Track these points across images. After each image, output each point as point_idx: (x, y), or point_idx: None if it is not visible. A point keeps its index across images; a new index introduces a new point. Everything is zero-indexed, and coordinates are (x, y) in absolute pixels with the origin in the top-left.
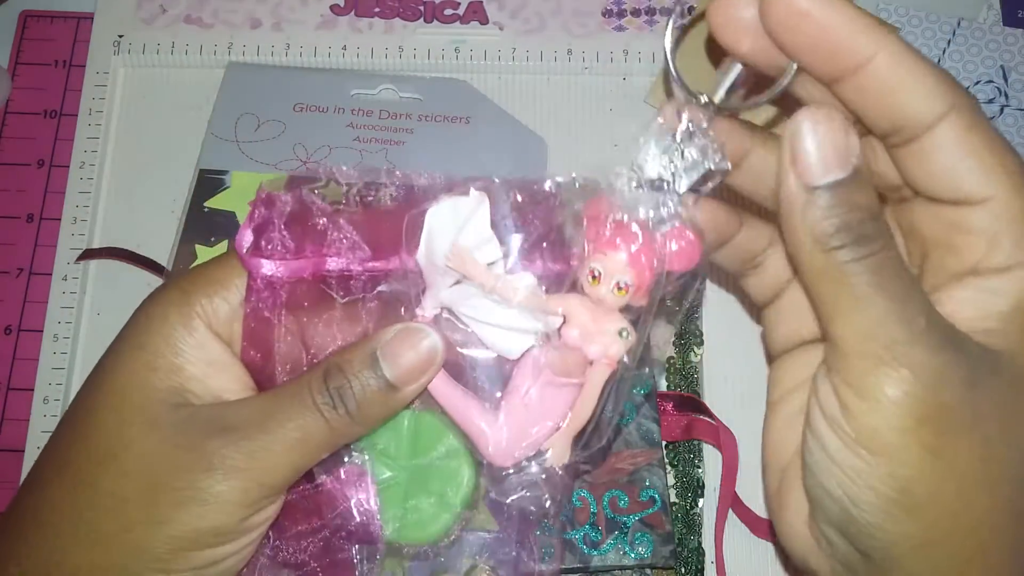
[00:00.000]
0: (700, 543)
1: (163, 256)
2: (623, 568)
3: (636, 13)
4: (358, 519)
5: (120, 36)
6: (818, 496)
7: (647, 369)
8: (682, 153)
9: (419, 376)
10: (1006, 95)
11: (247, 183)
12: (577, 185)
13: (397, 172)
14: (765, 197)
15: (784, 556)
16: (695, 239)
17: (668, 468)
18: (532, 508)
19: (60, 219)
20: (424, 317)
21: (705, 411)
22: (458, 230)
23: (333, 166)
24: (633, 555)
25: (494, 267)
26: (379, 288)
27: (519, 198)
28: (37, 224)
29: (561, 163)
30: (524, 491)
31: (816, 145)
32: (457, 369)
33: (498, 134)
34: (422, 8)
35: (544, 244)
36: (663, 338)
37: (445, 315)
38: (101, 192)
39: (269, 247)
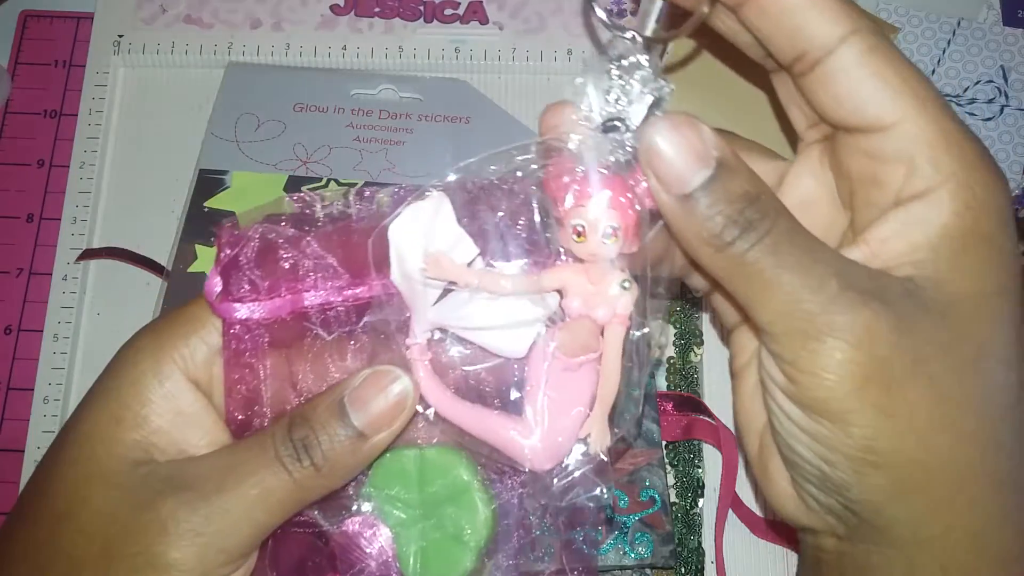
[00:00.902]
0: (700, 543)
1: (163, 256)
2: (623, 568)
3: (636, 13)
4: (376, 571)
5: (120, 36)
6: (793, 460)
7: (662, 318)
8: (623, 90)
9: (390, 423)
10: (1006, 95)
11: (247, 183)
12: (534, 151)
13: (366, 191)
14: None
15: (779, 533)
16: None
17: (668, 468)
18: (591, 504)
19: (60, 219)
20: (418, 344)
21: (705, 411)
22: (426, 237)
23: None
24: (633, 555)
25: (474, 264)
26: (365, 319)
27: (477, 187)
28: (37, 224)
29: None
30: (577, 489)
31: (673, 153)
32: (468, 387)
33: (498, 134)
34: (422, 8)
35: (519, 225)
36: (663, 338)
37: (438, 335)
38: (101, 192)
39: (240, 290)
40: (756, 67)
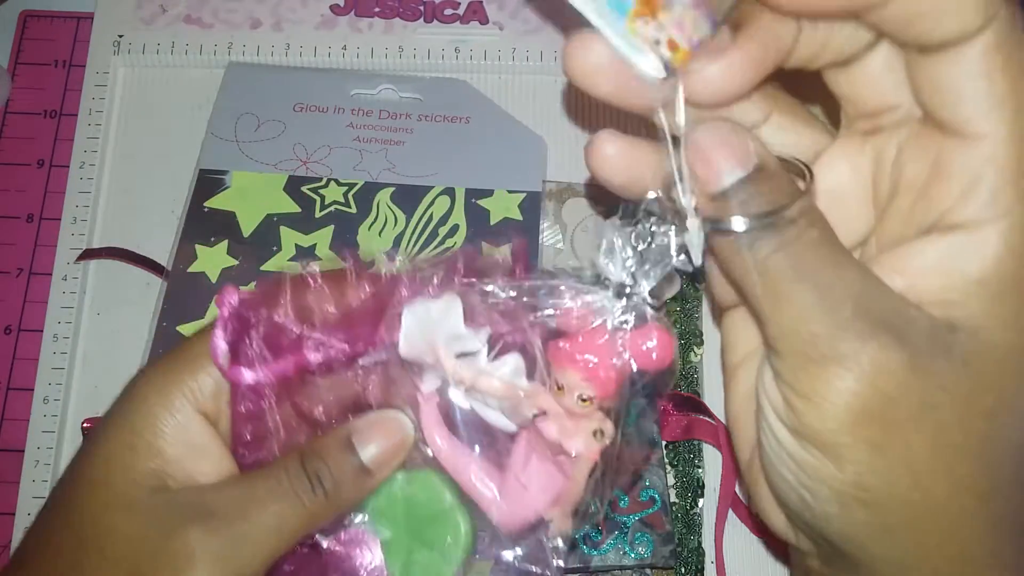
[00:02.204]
0: (700, 543)
1: (163, 256)
2: (623, 568)
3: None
4: None
5: (120, 36)
6: (775, 483)
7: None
8: (641, 253)
9: (392, 461)
10: None
11: (247, 183)
12: (545, 290)
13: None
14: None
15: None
16: (666, 339)
17: (668, 468)
18: (536, 570)
19: (60, 219)
20: (429, 393)
21: (705, 411)
22: (433, 329)
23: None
24: (633, 555)
25: (478, 356)
26: (362, 361)
27: (489, 303)
28: (37, 224)
29: (561, 163)
30: (529, 557)
31: (712, 151)
32: (472, 422)
33: (498, 134)
34: (422, 8)
35: (519, 343)
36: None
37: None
38: (101, 192)
39: (248, 359)
40: None
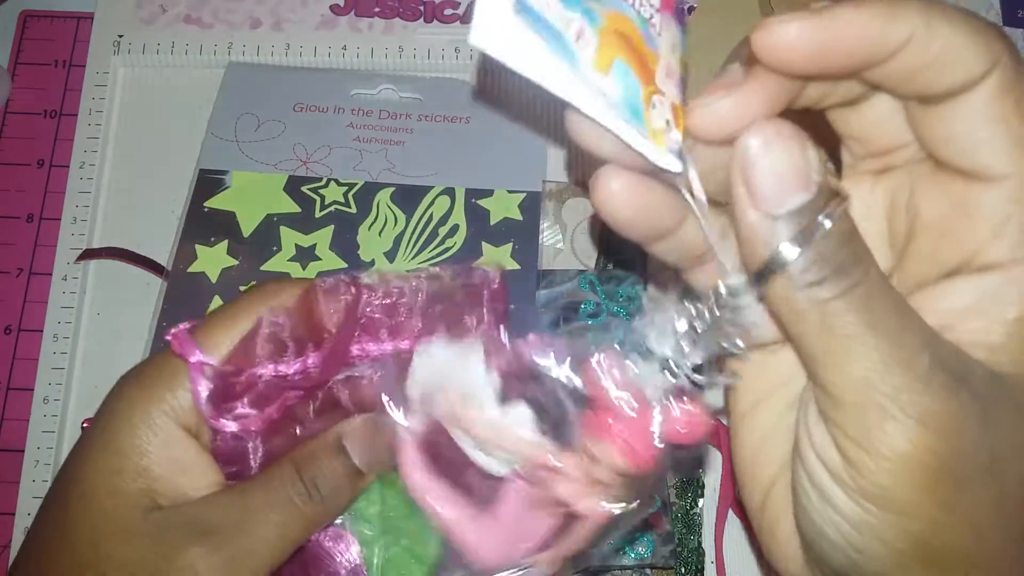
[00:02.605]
0: (700, 543)
1: (163, 256)
2: (623, 568)
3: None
4: None
5: (120, 36)
6: (816, 541)
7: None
8: (697, 333)
9: (381, 461)
10: None
11: (247, 183)
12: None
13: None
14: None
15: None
16: (700, 415)
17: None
18: None
19: (60, 219)
20: (410, 430)
21: None
22: (448, 374)
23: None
24: (633, 555)
25: (489, 402)
26: (336, 377)
27: (508, 360)
28: (37, 224)
29: (561, 163)
30: None
31: (770, 167)
32: (449, 462)
33: (498, 134)
34: (422, 8)
35: (547, 399)
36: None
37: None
38: (101, 192)
39: (231, 413)
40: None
